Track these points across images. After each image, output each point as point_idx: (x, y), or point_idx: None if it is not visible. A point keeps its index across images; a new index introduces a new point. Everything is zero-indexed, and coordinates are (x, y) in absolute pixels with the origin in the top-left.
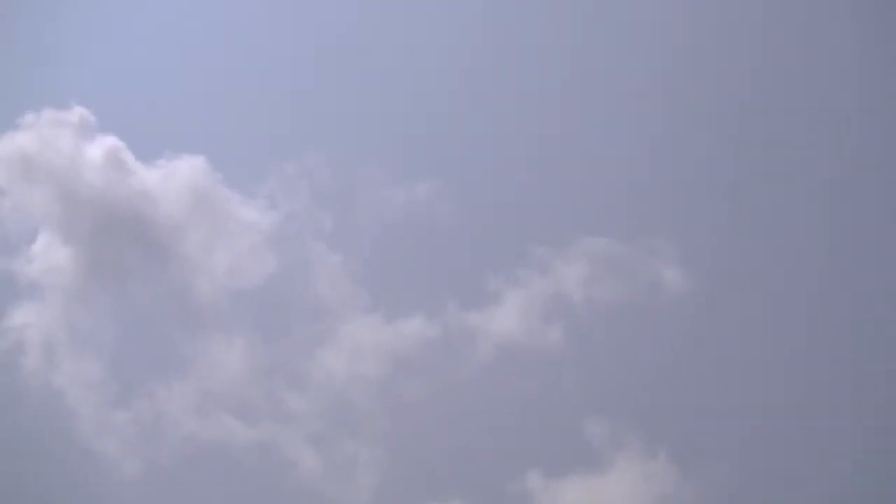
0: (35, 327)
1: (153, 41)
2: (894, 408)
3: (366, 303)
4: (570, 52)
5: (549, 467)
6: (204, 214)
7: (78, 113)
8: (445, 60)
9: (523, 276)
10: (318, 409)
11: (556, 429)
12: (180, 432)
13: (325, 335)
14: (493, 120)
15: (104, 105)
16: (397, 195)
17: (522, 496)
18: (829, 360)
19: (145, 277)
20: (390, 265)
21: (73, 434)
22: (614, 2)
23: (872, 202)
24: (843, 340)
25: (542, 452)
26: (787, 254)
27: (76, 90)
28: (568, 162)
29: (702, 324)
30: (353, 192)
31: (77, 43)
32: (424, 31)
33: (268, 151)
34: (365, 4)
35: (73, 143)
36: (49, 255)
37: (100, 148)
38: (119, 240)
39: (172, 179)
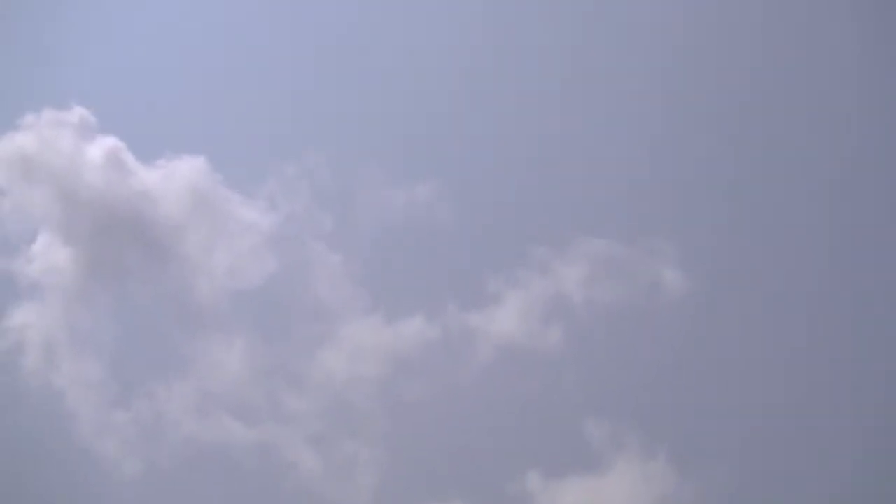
0: (35, 327)
1: (153, 41)
2: (894, 408)
3: (366, 303)
4: (570, 52)
5: (549, 468)
6: (204, 215)
7: (78, 113)
8: (445, 61)
9: (523, 276)
10: (318, 410)
11: (556, 429)
12: (180, 433)
13: (325, 336)
14: (493, 121)
15: (104, 105)
16: (397, 196)
17: (522, 497)
18: (829, 360)
19: (145, 278)
20: (390, 266)
21: (72, 434)
22: (614, 2)
23: (872, 202)
24: (843, 341)
25: (541, 453)
26: (787, 254)
27: (76, 90)
28: (568, 163)
29: (701, 325)
30: (353, 193)
31: (77, 43)
32: (424, 31)
33: (268, 152)
34: (365, 4)
35: (74, 143)
36: (49, 255)
37: (100, 148)
38: (119, 240)
39: (172, 180)
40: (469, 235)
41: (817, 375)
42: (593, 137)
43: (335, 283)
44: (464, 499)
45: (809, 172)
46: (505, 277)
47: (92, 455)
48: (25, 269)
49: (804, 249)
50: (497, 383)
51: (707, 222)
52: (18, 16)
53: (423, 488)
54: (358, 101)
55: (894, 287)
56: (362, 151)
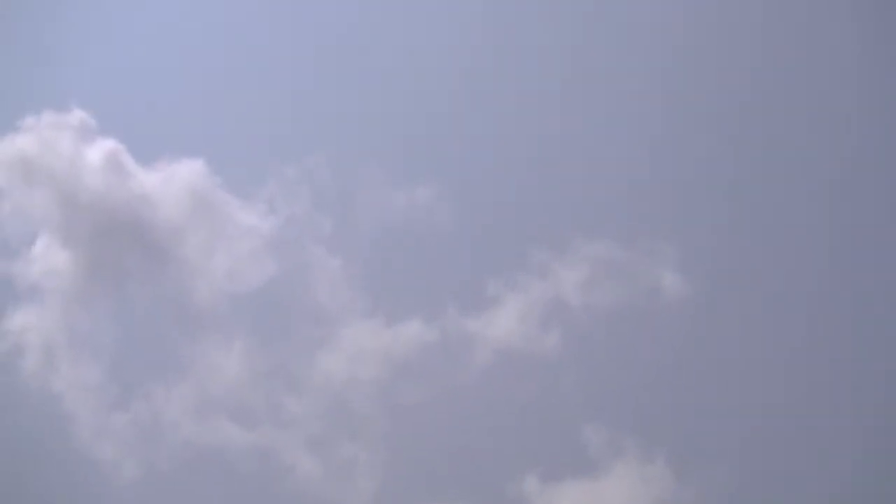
0: (34, 330)
1: (153, 44)
2: (894, 409)
3: (365, 306)
4: (570, 55)
5: (548, 471)
6: (203, 217)
7: (78, 116)
8: (445, 63)
9: (522, 279)
10: (317, 413)
11: (555, 433)
12: (179, 435)
13: (325, 339)
14: (492, 123)
15: (104, 108)
16: (396, 198)
17: (520, 500)
18: (829, 363)
19: (144, 280)
20: (389, 269)
21: (71, 437)
22: (614, 3)
23: (872, 203)
24: (842, 344)
25: (540, 456)
26: (787, 257)
27: (76, 93)
28: (567, 165)
29: (701, 327)
30: (353, 196)
31: (76, 45)
32: (424, 33)
33: (267, 155)
34: (364, 8)
35: (73, 145)
36: (48, 257)
37: (99, 151)
38: (118, 243)
39: (172, 183)
40: (468, 238)
41: (817, 379)
42: (593, 140)
43: (334, 286)
44: (462, 502)
45: (809, 174)
46: (504, 280)
47: (91, 458)
48: (25, 271)
49: (804, 252)
50: (496, 386)
51: (706, 225)
52: (18, 18)
53: (422, 491)
54: (357, 103)
55: (894, 287)
56: (361, 154)
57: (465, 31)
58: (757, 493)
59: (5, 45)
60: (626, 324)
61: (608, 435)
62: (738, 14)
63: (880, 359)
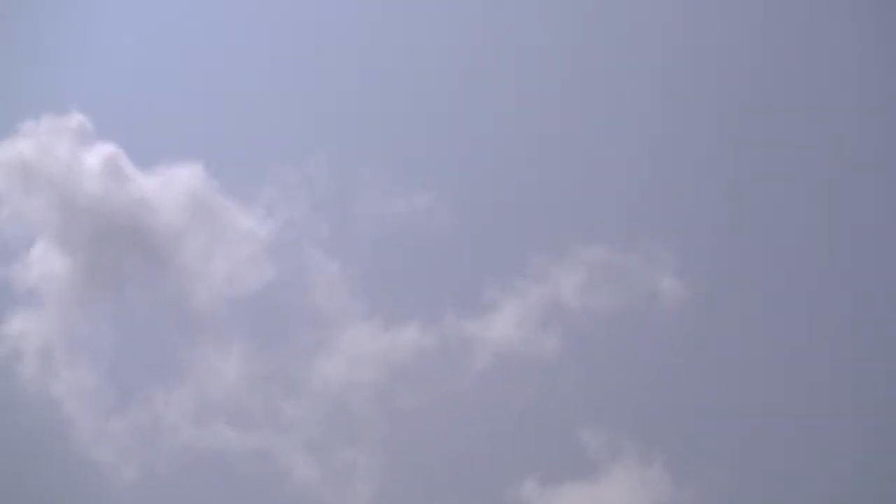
0: (32, 334)
1: (151, 47)
2: (894, 409)
3: (363, 310)
4: (570, 57)
5: (546, 475)
6: (202, 222)
7: (76, 119)
8: (444, 68)
9: (521, 284)
10: (316, 417)
11: (553, 436)
12: (178, 439)
13: (323, 343)
14: (491, 127)
15: (102, 112)
16: (395, 202)
17: (519, 503)
18: (828, 366)
19: (143, 285)
20: (388, 273)
21: (69, 441)
22: (614, 6)
23: (872, 205)
24: (841, 348)
25: (538, 460)
26: (785, 260)
27: (74, 97)
28: (565, 170)
29: (698, 331)
30: (351, 200)
31: (75, 49)
32: (423, 37)
33: (266, 159)
34: (363, 11)
35: (71, 149)
36: (46, 262)
37: (98, 155)
38: (117, 247)
39: (170, 187)
40: (467, 242)
41: (816, 382)
42: (592, 144)
43: (333, 290)
44: None
45: (808, 177)
46: (503, 284)
47: (89, 461)
48: (23, 275)
49: (803, 254)
50: (494, 390)
51: (704, 228)
52: (16, 22)
53: (421, 495)
54: (355, 107)
55: (894, 288)
56: (360, 158)
57: (464, 34)
58: (755, 495)
59: (4, 48)
60: (624, 327)
61: (606, 438)
62: (738, 15)
63: (880, 361)
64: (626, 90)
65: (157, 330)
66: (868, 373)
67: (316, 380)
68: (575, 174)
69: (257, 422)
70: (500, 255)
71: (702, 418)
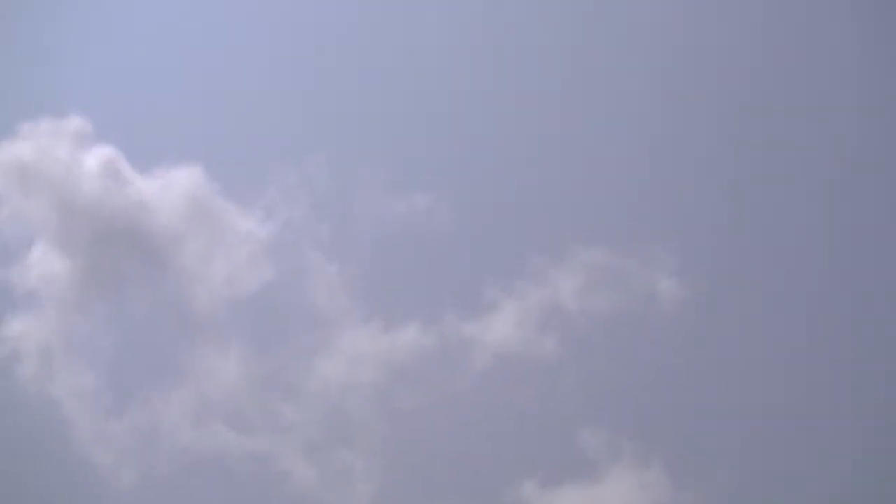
0: (31, 336)
1: (150, 49)
2: (894, 410)
3: (363, 312)
4: (570, 58)
5: (546, 476)
6: (201, 223)
7: (75, 122)
8: (444, 69)
9: (520, 285)
10: (315, 419)
11: (553, 437)
12: (177, 441)
13: (322, 344)
14: (491, 130)
15: (101, 114)
16: (394, 204)
17: None
18: (828, 367)
19: (142, 286)
20: (387, 274)
21: (69, 443)
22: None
23: (872, 205)
24: (841, 351)
25: (538, 461)
26: (784, 262)
27: (73, 99)
28: (565, 172)
29: (697, 333)
30: (351, 201)
31: (74, 51)
32: (423, 38)
33: (265, 161)
34: (363, 12)
35: (70, 152)
36: (46, 263)
37: (97, 157)
38: (116, 249)
39: (169, 189)
40: (466, 243)
41: (816, 382)
42: (592, 145)
43: (332, 291)
44: None
45: (808, 178)
46: (502, 286)
47: (89, 463)
48: (22, 277)
49: (802, 256)
50: (494, 391)
51: (703, 230)
52: (16, 23)
53: (420, 497)
54: (354, 108)
55: (894, 288)
56: (359, 159)
57: (464, 34)
58: (755, 495)
59: (4, 50)
60: (624, 328)
61: (606, 440)
62: (738, 15)
63: (880, 361)
64: (626, 91)
65: (157, 331)
66: (868, 373)
67: (316, 381)
68: (574, 175)
69: (257, 423)
70: (500, 256)
71: (701, 419)
